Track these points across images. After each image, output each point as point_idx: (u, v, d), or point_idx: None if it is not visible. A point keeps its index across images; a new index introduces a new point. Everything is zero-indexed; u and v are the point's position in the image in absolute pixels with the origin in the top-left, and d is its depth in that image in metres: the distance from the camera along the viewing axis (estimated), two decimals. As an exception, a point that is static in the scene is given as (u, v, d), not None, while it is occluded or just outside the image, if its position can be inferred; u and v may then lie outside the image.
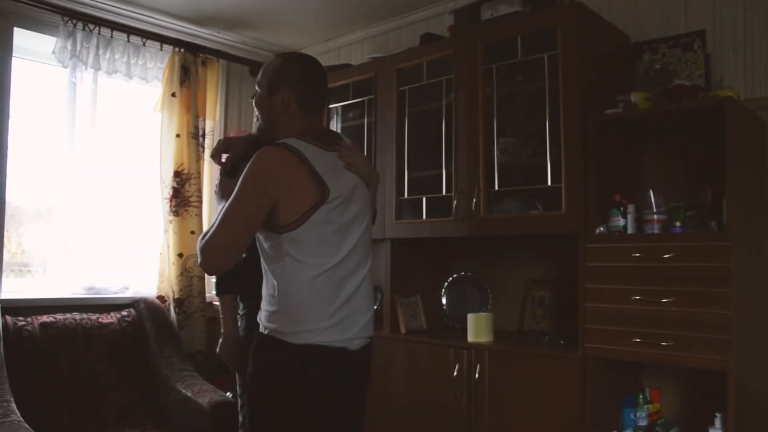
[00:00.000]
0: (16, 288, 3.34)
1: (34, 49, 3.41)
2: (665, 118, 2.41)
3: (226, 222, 1.67)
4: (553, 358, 2.48)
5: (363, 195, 1.84)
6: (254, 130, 2.25)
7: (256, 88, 1.85)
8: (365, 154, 3.25)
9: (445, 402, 2.75)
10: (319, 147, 1.75)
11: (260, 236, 1.75)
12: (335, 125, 3.52)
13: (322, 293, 1.70)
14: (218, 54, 3.96)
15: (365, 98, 3.32)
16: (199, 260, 1.72)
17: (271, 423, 1.71)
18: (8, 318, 3.06)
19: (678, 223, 2.38)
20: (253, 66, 4.19)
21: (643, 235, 2.34)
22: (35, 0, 3.24)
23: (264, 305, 1.78)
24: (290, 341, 1.69)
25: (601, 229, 2.42)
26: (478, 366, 2.64)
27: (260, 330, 1.77)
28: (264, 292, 1.78)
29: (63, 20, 3.34)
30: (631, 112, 2.40)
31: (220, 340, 2.36)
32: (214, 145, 2.07)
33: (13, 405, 2.58)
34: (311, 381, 1.69)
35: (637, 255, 2.26)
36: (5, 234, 3.22)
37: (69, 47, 3.36)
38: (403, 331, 3.03)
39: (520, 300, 2.99)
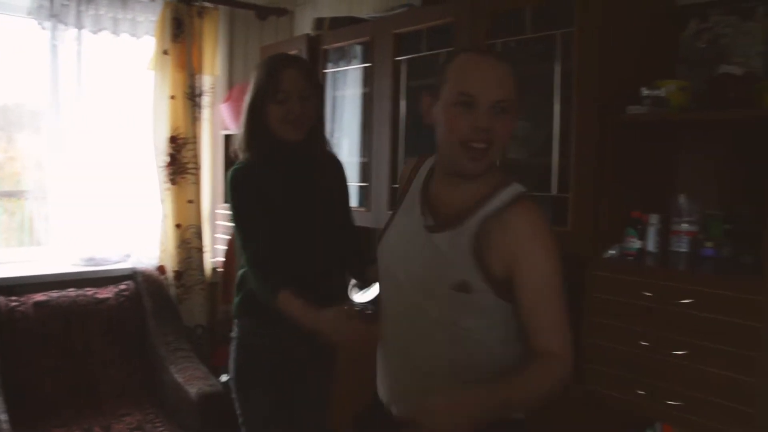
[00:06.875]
0: (14, 258, 3.27)
1: (10, 3, 3.11)
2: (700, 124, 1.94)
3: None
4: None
5: None
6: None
7: (505, 106, 1.32)
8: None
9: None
10: None
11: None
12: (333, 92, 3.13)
13: None
14: (216, 0, 3.56)
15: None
16: None
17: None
18: (1, 298, 2.98)
19: (710, 244, 1.98)
20: (260, 11, 3.77)
21: (660, 270, 1.92)
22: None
23: None
24: None
25: (612, 252, 2.03)
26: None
27: None
28: None
29: (36, -25, 3.02)
30: (655, 115, 1.93)
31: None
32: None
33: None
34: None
35: (649, 294, 1.88)
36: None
37: (46, 5, 3.07)
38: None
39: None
